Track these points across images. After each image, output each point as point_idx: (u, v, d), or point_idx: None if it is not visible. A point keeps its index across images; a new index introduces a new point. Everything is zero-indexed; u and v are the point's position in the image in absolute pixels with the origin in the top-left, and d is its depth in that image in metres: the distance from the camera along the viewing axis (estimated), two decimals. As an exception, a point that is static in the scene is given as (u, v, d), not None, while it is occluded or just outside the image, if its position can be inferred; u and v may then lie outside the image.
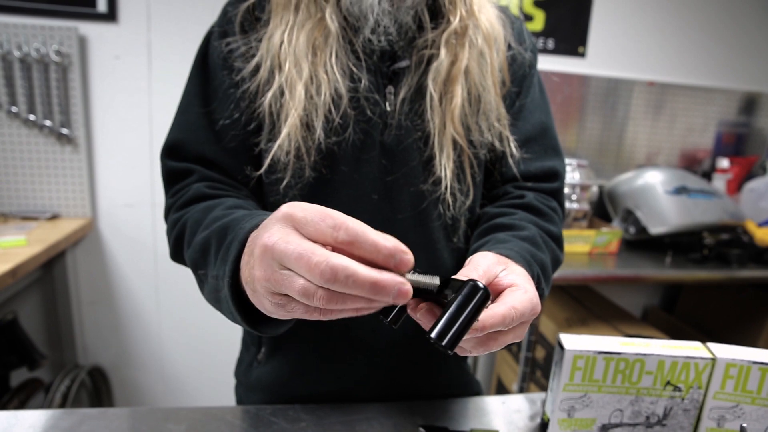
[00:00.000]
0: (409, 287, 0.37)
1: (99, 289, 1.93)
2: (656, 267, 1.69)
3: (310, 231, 0.38)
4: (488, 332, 0.43)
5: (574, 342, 0.68)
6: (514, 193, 0.74)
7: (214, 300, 0.53)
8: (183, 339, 2.02)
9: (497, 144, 0.72)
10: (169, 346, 2.03)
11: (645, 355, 0.67)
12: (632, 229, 1.85)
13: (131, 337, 2.00)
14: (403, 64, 0.68)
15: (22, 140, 1.73)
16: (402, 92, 0.68)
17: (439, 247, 0.71)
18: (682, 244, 1.85)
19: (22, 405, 1.63)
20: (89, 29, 1.72)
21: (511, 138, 0.72)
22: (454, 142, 0.68)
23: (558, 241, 0.72)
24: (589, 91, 2.11)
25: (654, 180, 1.83)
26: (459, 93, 0.67)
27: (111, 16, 1.72)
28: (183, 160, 0.69)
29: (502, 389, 2.08)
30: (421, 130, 0.69)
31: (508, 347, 2.07)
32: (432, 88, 0.67)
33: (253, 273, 0.41)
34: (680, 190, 1.79)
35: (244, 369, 0.81)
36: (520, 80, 0.75)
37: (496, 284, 0.49)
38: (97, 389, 1.95)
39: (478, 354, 0.47)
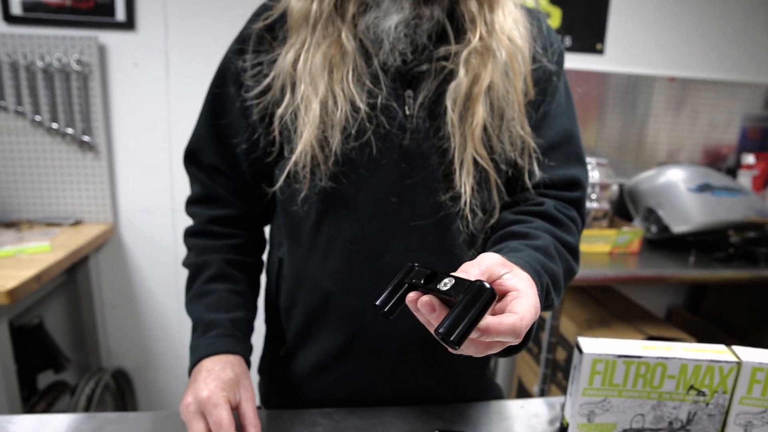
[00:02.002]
0: None
1: (121, 293, 1.97)
2: (679, 267, 1.65)
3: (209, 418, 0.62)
4: (499, 339, 0.43)
5: (593, 345, 0.67)
6: (534, 200, 0.73)
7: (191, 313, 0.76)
8: (203, 342, 2.03)
9: (519, 160, 0.71)
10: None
11: (667, 358, 0.65)
12: (654, 228, 1.81)
13: (153, 340, 2.03)
14: (423, 68, 0.67)
15: (45, 148, 1.77)
16: (421, 97, 0.67)
17: (457, 253, 0.70)
18: (706, 242, 1.80)
19: (49, 407, 1.66)
20: (108, 38, 1.76)
21: (534, 152, 0.71)
22: (475, 161, 0.67)
23: (574, 251, 0.70)
24: (608, 89, 2.08)
25: (676, 177, 1.79)
26: (480, 113, 0.66)
27: (129, 24, 1.75)
28: (198, 166, 0.78)
29: (522, 391, 2.05)
30: (440, 139, 0.68)
31: (528, 349, 2.05)
32: (450, 107, 0.66)
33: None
34: (703, 188, 1.75)
35: (267, 365, 0.84)
36: (544, 88, 0.73)
37: (497, 285, 0.49)
38: (121, 392, 1.99)
39: (481, 354, 0.47)
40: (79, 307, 1.87)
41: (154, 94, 1.82)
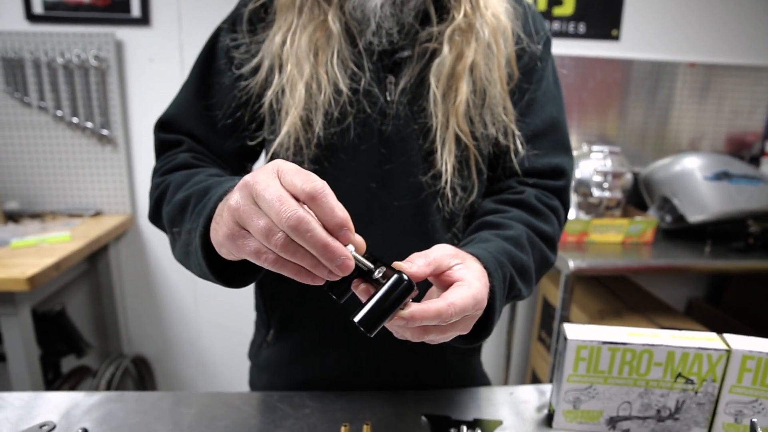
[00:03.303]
0: (352, 263, 0.42)
1: (140, 281, 2.03)
2: (694, 257, 1.61)
3: (287, 180, 0.42)
4: (425, 324, 0.45)
5: (577, 331, 0.67)
6: (515, 188, 0.73)
7: (184, 255, 0.56)
8: (220, 329, 2.09)
9: (501, 139, 0.71)
10: (206, 337, 2.10)
11: (653, 345, 0.65)
12: (669, 218, 1.77)
13: (172, 328, 2.09)
14: (405, 54, 0.68)
15: (66, 142, 1.83)
16: (402, 82, 0.68)
17: (437, 237, 0.71)
18: (724, 232, 1.75)
19: (72, 389, 1.74)
20: (125, 34, 1.80)
21: (516, 133, 0.71)
22: (458, 139, 0.68)
23: (549, 241, 0.70)
24: (626, 76, 2.02)
25: (692, 165, 1.74)
26: (464, 90, 0.67)
27: (144, 20, 1.79)
28: (173, 133, 0.73)
29: (536, 381, 2.04)
30: (422, 122, 0.69)
31: (541, 339, 2.04)
32: (434, 85, 0.67)
33: (226, 203, 0.45)
34: (721, 176, 1.70)
35: (255, 350, 0.85)
36: (529, 73, 0.73)
37: (446, 276, 0.50)
38: (141, 377, 2.06)
39: (419, 340, 0.48)
40: (100, 294, 1.94)
41: (169, 88, 1.85)
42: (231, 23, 0.73)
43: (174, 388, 2.15)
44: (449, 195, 0.69)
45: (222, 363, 2.14)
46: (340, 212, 0.41)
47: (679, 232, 1.82)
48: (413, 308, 0.44)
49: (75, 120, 1.80)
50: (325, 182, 0.41)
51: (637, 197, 1.99)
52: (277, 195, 0.40)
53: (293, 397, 0.74)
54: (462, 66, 0.67)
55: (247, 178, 0.43)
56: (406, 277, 0.44)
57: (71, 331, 1.78)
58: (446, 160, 0.67)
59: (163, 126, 0.74)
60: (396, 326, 0.45)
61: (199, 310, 2.07)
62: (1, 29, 1.74)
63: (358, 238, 0.44)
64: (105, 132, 1.82)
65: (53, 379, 1.77)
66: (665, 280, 2.19)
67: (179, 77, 1.85)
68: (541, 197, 0.72)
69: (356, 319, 0.43)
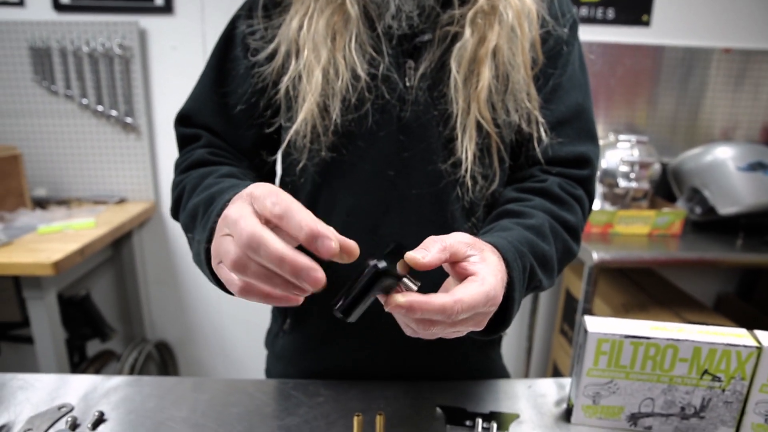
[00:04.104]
0: (321, 275, 0.38)
1: (164, 268, 2.06)
2: (725, 250, 1.56)
3: (258, 206, 0.41)
4: (428, 317, 0.43)
5: (598, 325, 0.64)
6: (538, 177, 0.71)
7: (197, 262, 0.57)
8: (242, 316, 2.11)
9: (525, 126, 0.68)
10: (228, 323, 2.13)
11: (678, 340, 0.62)
12: (698, 209, 1.71)
13: (194, 315, 2.12)
14: (425, 38, 0.66)
15: (92, 130, 1.86)
16: (422, 67, 0.66)
17: (456, 226, 0.69)
18: (758, 225, 1.69)
19: (96, 372, 1.78)
20: (148, 22, 1.82)
21: (540, 120, 0.68)
22: (479, 126, 0.66)
23: (572, 231, 0.67)
24: (657, 63, 1.96)
25: (724, 155, 1.68)
26: (486, 75, 0.64)
27: (167, 8, 1.80)
28: (192, 127, 0.73)
29: (558, 375, 2.01)
30: (442, 108, 0.67)
31: (563, 332, 2.00)
32: (455, 69, 0.64)
33: (215, 238, 0.46)
34: (755, 167, 1.63)
35: (272, 339, 0.85)
36: (555, 58, 0.70)
37: (461, 268, 0.48)
38: (164, 362, 2.10)
39: (429, 336, 0.47)
40: (124, 280, 1.98)
41: (192, 76, 1.85)
42: (248, 10, 0.72)
43: (195, 373, 2.19)
44: (469, 184, 0.67)
45: (243, 350, 2.17)
46: (308, 223, 0.38)
47: (709, 224, 1.76)
48: (413, 297, 0.43)
49: (100, 108, 1.83)
50: (293, 199, 0.40)
51: (665, 188, 1.93)
52: (237, 217, 0.40)
53: (307, 385, 0.73)
54: (484, 50, 0.64)
55: (226, 209, 0.44)
56: (379, 265, 0.43)
57: (96, 316, 1.82)
58: (467, 148, 0.65)
59: (181, 120, 0.74)
60: (400, 317, 0.44)
61: (222, 298, 2.09)
62: (29, 19, 1.77)
63: (349, 244, 0.42)
64: (129, 120, 1.84)
65: (79, 362, 1.82)
66: (694, 274, 2.13)
67: (201, 65, 1.84)
68: (565, 186, 0.69)
69: (333, 304, 0.44)
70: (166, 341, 2.12)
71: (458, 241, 0.48)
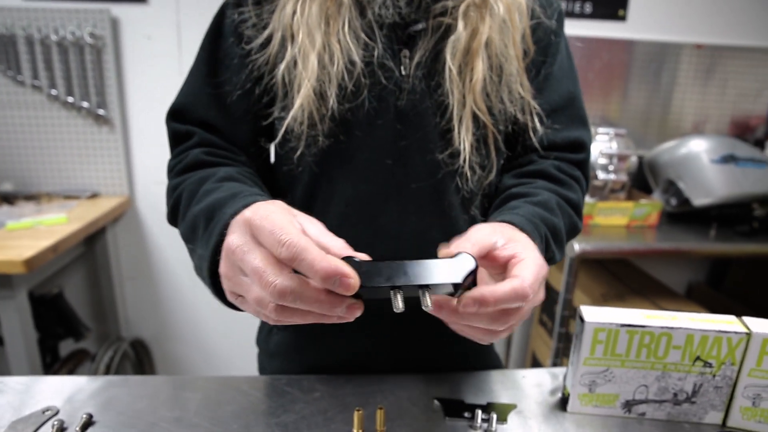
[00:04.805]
0: (358, 310, 0.41)
1: (138, 264, 2.01)
2: (699, 240, 1.60)
3: (264, 240, 0.41)
4: (502, 306, 0.43)
5: (595, 314, 0.65)
6: (535, 162, 0.73)
7: (199, 275, 0.56)
8: (219, 312, 2.07)
9: (520, 116, 0.69)
10: (205, 319, 2.09)
11: (672, 328, 0.63)
12: (674, 201, 1.76)
13: (170, 311, 2.08)
14: (419, 27, 0.66)
15: (62, 122, 1.79)
16: (417, 56, 0.66)
17: (454, 215, 0.70)
18: (729, 216, 1.74)
19: (70, 373, 1.72)
20: (120, 11, 1.76)
21: (534, 109, 0.70)
22: (475, 117, 0.67)
23: (576, 208, 0.70)
24: (632, 57, 2.00)
25: (698, 148, 1.72)
26: (480, 68, 0.65)
27: (140, -4, 1.74)
28: (186, 123, 0.70)
29: (536, 365, 2.05)
30: (438, 98, 0.67)
31: (542, 323, 2.03)
32: (450, 62, 0.65)
33: (221, 266, 0.46)
34: (727, 159, 1.68)
35: (264, 336, 0.83)
36: (545, 48, 0.72)
37: (498, 256, 0.48)
38: (139, 360, 2.05)
39: (507, 332, 0.47)
40: (98, 277, 1.92)
41: (167, 67, 1.82)
42: None
43: (173, 371, 2.15)
44: (468, 174, 0.67)
45: (222, 345, 2.13)
46: (322, 266, 0.38)
47: (683, 215, 1.81)
48: (482, 290, 0.42)
49: (70, 99, 1.76)
50: (299, 238, 0.39)
51: (641, 180, 1.97)
52: (254, 267, 0.40)
53: (302, 380, 0.72)
54: (477, 43, 0.65)
55: (228, 241, 0.44)
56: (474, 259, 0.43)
57: (69, 315, 1.76)
58: (464, 139, 0.65)
59: (174, 115, 0.71)
60: (471, 315, 0.44)
61: (198, 292, 2.05)
62: (-8, 5, 1.69)
63: (362, 256, 0.42)
64: (101, 112, 1.78)
65: (51, 363, 1.76)
66: (666, 263, 2.19)
67: (177, 55, 1.81)
68: (563, 167, 0.72)
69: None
70: (142, 338, 2.07)
71: (482, 234, 0.49)
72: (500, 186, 0.73)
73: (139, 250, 1.99)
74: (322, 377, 0.73)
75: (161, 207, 1.97)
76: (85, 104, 1.77)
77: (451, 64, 0.64)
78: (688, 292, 2.26)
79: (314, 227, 0.45)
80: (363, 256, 0.43)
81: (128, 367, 2.01)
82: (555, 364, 1.72)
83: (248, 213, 0.43)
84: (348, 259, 0.41)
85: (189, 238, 0.59)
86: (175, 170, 0.68)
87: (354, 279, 0.38)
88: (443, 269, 0.41)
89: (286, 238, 0.39)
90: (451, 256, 0.43)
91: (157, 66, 1.81)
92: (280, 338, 0.79)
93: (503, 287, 0.43)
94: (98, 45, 1.73)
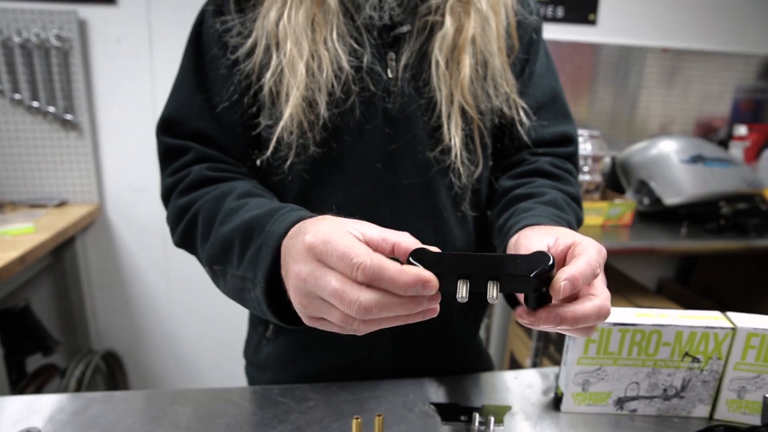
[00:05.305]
0: (436, 309, 0.41)
1: (110, 273, 1.94)
2: (671, 238, 1.65)
3: (334, 265, 0.40)
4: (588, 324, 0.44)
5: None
6: (528, 160, 0.74)
7: (238, 297, 0.55)
8: (194, 321, 2.03)
9: (506, 110, 0.70)
10: (180, 329, 2.04)
11: (662, 326, 0.64)
12: (646, 200, 1.81)
13: (143, 320, 2.02)
14: (404, 29, 0.66)
15: (26, 128, 1.72)
16: (404, 58, 0.65)
17: (445, 215, 0.70)
18: (698, 214, 1.80)
19: (38, 390, 1.65)
20: (88, 12, 1.70)
21: (520, 104, 0.71)
22: (464, 112, 0.67)
23: (578, 201, 0.72)
24: (601, 60, 2.05)
25: (668, 149, 1.78)
26: (467, 63, 0.65)
27: (109, -3, 1.69)
28: (179, 137, 0.66)
29: (515, 365, 2.07)
30: (426, 97, 0.67)
31: (519, 323, 2.06)
32: (438, 57, 0.65)
33: (290, 295, 0.45)
34: (696, 159, 1.74)
35: (253, 348, 0.81)
36: (527, 46, 0.73)
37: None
38: (112, 373, 1.98)
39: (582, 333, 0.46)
40: (67, 288, 1.84)
41: (138, 70, 1.77)
42: (216, 4, 0.67)
43: (148, 383, 2.08)
44: (461, 169, 0.68)
45: (197, 356, 2.08)
46: (403, 279, 0.38)
47: (655, 214, 1.86)
48: (561, 310, 0.43)
49: (35, 104, 1.70)
50: (370, 257, 0.39)
51: (614, 180, 2.02)
52: (332, 289, 0.39)
53: (294, 390, 0.71)
54: (463, 39, 0.65)
55: (296, 271, 0.43)
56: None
57: (37, 328, 1.69)
58: (454, 134, 0.66)
59: (165, 128, 0.67)
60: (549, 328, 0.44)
61: (172, 302, 2.00)
62: (-52, 5, 1.62)
63: (431, 251, 0.42)
64: (69, 117, 1.72)
65: (17, 380, 1.68)
66: (638, 261, 2.25)
67: (148, 58, 1.76)
68: (556, 162, 0.73)
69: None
70: (115, 350, 2.00)
71: (531, 244, 0.51)
72: (499, 188, 0.74)
73: (111, 260, 1.93)
74: (315, 386, 0.71)
75: (133, 214, 1.93)
76: (51, 109, 1.70)
77: (439, 60, 0.65)
78: (658, 289, 2.33)
79: (373, 229, 0.44)
80: (432, 249, 0.43)
81: (100, 381, 1.94)
82: (535, 364, 1.74)
83: (309, 238, 0.42)
84: (420, 251, 0.42)
85: (217, 260, 0.56)
86: (178, 189, 0.64)
87: (434, 280, 0.38)
88: (516, 264, 0.40)
89: (358, 261, 0.39)
90: (528, 254, 0.42)
91: (127, 69, 1.76)
92: (271, 350, 0.77)
93: (584, 307, 0.43)
94: (65, 47, 1.67)
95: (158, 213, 1.90)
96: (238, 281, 0.53)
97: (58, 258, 1.81)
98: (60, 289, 1.88)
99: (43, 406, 0.65)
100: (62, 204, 1.78)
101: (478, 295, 0.41)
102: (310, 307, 0.43)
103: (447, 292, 0.41)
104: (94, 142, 1.78)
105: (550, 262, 0.41)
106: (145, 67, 1.76)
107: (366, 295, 0.38)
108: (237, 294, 0.55)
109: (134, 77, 1.77)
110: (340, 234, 0.41)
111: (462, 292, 0.40)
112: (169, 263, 1.96)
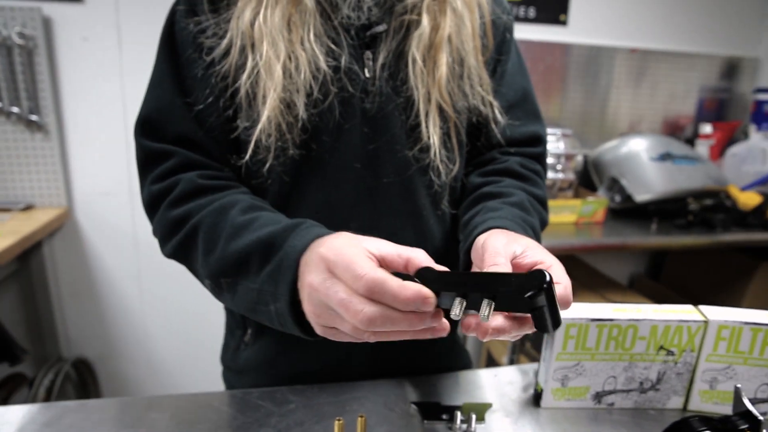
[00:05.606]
0: (446, 327, 0.44)
1: (79, 279, 1.89)
2: (642, 234, 1.69)
3: (340, 275, 0.43)
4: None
5: (566, 310, 0.67)
6: (498, 159, 0.75)
7: (249, 309, 0.56)
8: (167, 326, 1.99)
9: (482, 108, 0.71)
10: (153, 334, 2.00)
11: (638, 320, 0.66)
12: (618, 198, 1.85)
13: (115, 327, 1.97)
14: (380, 28, 0.65)
15: (-12, 129, 1.66)
16: (381, 58, 0.65)
17: (425, 214, 0.70)
18: (667, 210, 1.85)
19: (4, 401, 1.59)
20: (53, 10, 1.65)
21: (494, 103, 0.71)
22: (441, 110, 0.67)
23: (544, 203, 0.73)
24: (571, 60, 2.08)
25: (638, 147, 1.82)
26: (444, 61, 0.66)
27: (75, -5, 1.64)
28: (161, 140, 0.64)
29: (492, 362, 2.09)
30: (404, 96, 0.67)
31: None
32: (415, 55, 0.65)
33: (303, 305, 0.48)
34: (665, 157, 1.79)
35: (231, 353, 0.79)
36: (499, 45, 0.74)
37: (517, 264, 0.50)
38: (83, 382, 1.92)
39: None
40: (34, 295, 1.78)
41: (107, 70, 1.72)
42: (189, 4, 0.64)
43: (121, 390, 2.03)
44: (441, 167, 0.68)
45: (172, 362, 2.04)
46: (404, 293, 0.40)
47: (626, 211, 1.91)
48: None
49: (-2, 104, 1.64)
50: (373, 271, 0.41)
51: (586, 178, 2.06)
52: (338, 300, 0.42)
53: (275, 393, 0.70)
54: (440, 37, 0.66)
55: (309, 280, 0.46)
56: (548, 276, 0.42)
57: (2, 337, 1.62)
58: (432, 133, 0.66)
59: (145, 130, 0.65)
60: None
61: (145, 307, 1.95)
62: None
63: (435, 270, 0.44)
64: (34, 117, 1.66)
65: (-17, 390, 1.62)
66: (611, 257, 2.29)
67: (117, 57, 1.71)
68: (525, 163, 0.74)
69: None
70: (86, 358, 1.94)
71: (498, 245, 0.51)
72: (467, 184, 0.74)
73: (80, 265, 1.87)
74: (294, 388, 0.71)
75: (103, 218, 1.87)
76: (15, 109, 1.65)
77: (416, 58, 0.65)
78: (630, 284, 2.38)
79: (389, 245, 0.46)
80: (440, 268, 0.45)
81: (70, 390, 1.88)
82: (512, 361, 1.76)
83: (323, 250, 0.45)
84: (425, 269, 0.44)
85: (227, 273, 0.56)
86: (169, 199, 0.62)
87: (431, 297, 0.41)
88: (513, 282, 0.41)
89: (361, 273, 0.41)
90: (526, 273, 0.42)
91: (95, 69, 1.71)
92: (250, 354, 0.75)
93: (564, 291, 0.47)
94: (29, 46, 1.62)
95: (128, 217, 1.85)
96: (254, 294, 0.54)
97: (25, 264, 1.74)
98: (27, 296, 1.82)
99: (12, 417, 0.63)
100: (28, 208, 1.72)
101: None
102: (322, 317, 0.46)
103: (446, 309, 0.43)
104: (61, 144, 1.73)
105: (546, 281, 0.40)
106: (114, 66, 1.72)
107: (370, 308, 0.41)
108: (249, 305, 0.55)
109: (103, 77, 1.72)
110: (351, 248, 0.44)
111: (456, 309, 0.42)
112: (141, 268, 1.91)
